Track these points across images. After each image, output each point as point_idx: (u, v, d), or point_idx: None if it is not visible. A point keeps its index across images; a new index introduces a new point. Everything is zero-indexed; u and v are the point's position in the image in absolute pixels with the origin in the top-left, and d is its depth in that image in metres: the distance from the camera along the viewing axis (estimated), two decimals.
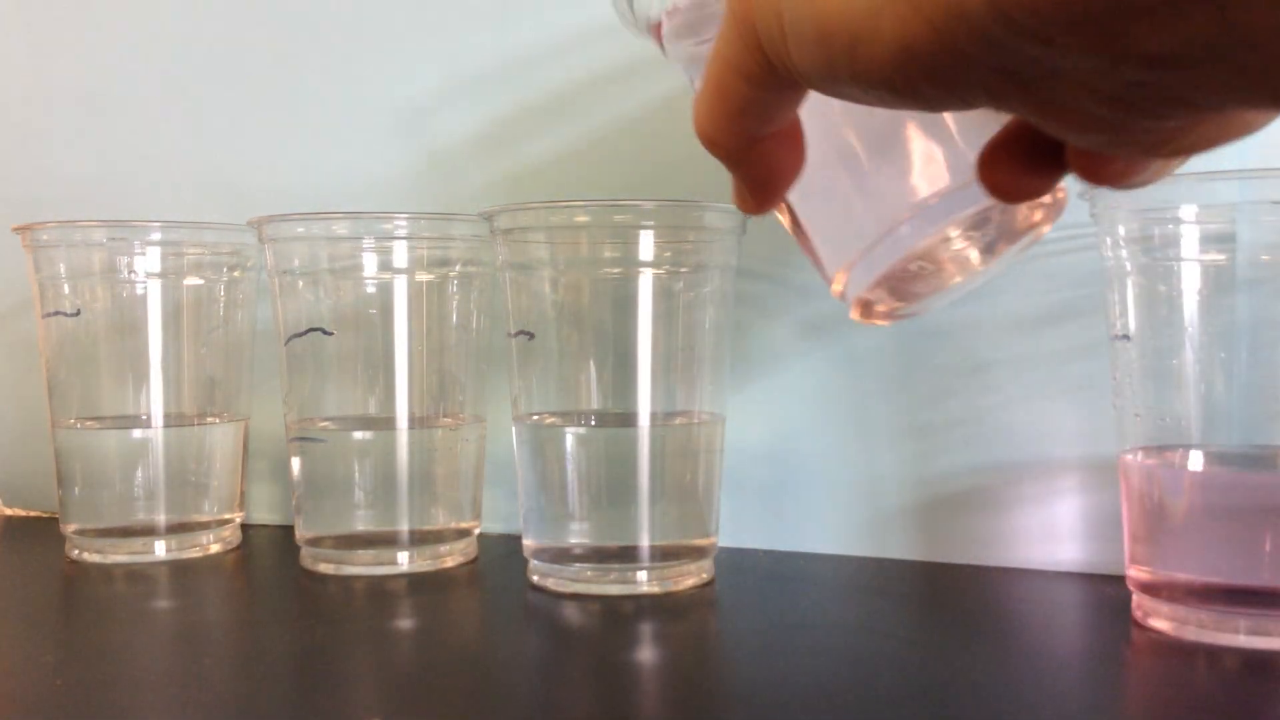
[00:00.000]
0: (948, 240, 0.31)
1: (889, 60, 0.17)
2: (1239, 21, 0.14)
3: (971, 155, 0.29)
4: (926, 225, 0.29)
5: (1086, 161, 0.20)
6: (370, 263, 0.50)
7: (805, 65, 0.19)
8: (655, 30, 0.38)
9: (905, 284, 0.33)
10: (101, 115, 0.65)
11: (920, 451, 0.50)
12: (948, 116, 0.25)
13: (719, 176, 0.39)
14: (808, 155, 0.26)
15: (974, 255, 0.33)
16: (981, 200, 0.29)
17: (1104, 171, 0.20)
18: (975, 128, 0.29)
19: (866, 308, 0.33)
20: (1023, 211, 0.31)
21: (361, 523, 0.50)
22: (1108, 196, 0.40)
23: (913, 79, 0.18)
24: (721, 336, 0.47)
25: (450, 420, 0.51)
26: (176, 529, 0.53)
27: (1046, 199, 0.29)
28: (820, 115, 0.29)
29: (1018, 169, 0.21)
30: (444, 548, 0.51)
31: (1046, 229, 0.32)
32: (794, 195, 0.29)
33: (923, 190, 0.29)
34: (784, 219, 0.34)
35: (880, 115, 0.30)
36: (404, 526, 0.50)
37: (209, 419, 0.55)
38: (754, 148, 0.23)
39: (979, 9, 0.15)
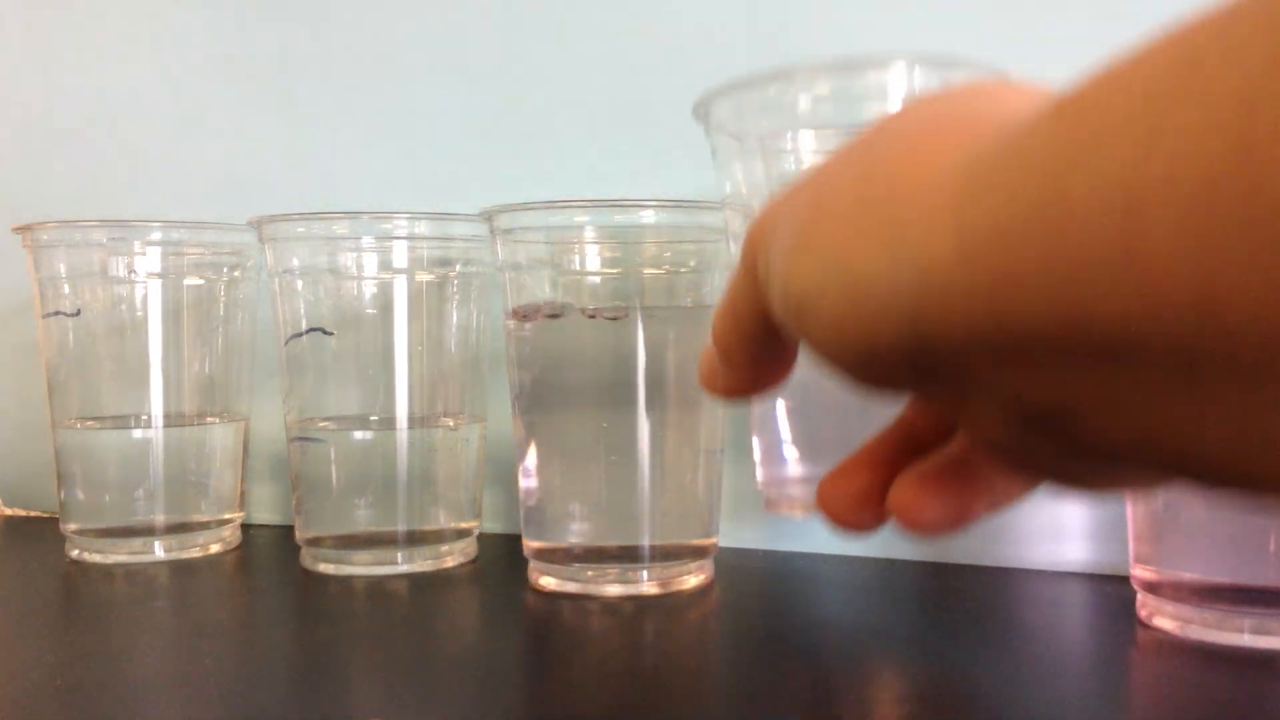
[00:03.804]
0: None
1: (826, 336, 0.17)
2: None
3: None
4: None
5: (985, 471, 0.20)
6: (370, 263, 0.49)
7: (776, 309, 0.19)
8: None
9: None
10: (102, 115, 0.65)
11: None
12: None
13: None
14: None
15: None
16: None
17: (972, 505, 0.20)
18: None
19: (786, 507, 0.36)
20: None
21: (361, 523, 0.50)
22: None
23: (843, 359, 0.17)
24: None
25: (450, 420, 0.51)
26: (176, 529, 0.53)
27: None
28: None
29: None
30: (444, 548, 0.50)
31: None
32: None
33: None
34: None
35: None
36: (404, 526, 0.49)
37: (209, 419, 0.55)
38: (753, 364, 0.24)
39: (899, 324, 0.15)
